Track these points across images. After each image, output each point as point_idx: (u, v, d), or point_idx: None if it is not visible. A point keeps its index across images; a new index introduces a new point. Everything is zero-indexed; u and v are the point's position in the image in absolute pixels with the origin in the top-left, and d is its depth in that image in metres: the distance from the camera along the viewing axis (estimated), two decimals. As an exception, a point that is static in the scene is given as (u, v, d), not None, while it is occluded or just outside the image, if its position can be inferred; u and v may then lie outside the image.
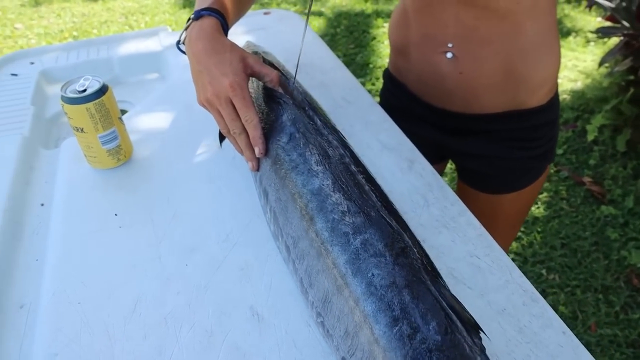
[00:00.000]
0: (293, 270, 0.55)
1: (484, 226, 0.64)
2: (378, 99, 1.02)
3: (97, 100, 0.69)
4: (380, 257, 0.45)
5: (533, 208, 1.94)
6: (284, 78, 0.71)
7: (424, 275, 0.43)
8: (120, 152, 0.75)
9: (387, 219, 0.48)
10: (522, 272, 0.58)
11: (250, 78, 0.68)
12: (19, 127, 0.87)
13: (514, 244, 1.80)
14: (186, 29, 0.68)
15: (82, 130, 0.70)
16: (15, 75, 1.04)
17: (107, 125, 0.71)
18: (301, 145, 0.59)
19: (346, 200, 0.51)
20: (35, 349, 0.54)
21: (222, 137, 0.73)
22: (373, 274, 0.44)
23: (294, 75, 0.71)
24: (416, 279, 0.42)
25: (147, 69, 1.09)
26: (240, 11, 0.77)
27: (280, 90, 0.67)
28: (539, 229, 1.86)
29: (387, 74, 0.98)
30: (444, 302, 0.40)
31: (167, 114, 0.89)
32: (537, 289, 1.72)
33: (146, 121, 0.87)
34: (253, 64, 0.65)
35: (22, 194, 0.75)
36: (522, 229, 1.87)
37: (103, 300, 0.58)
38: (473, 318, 0.42)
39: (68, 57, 1.08)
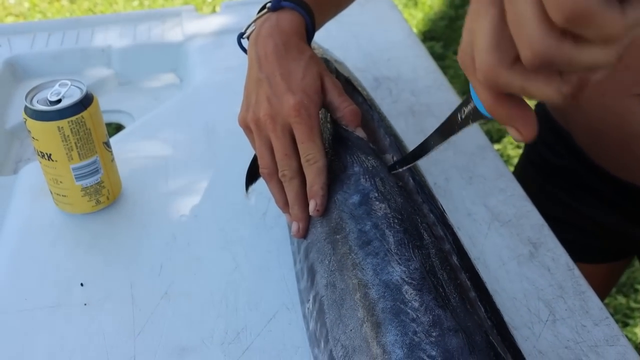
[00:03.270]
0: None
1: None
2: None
3: (74, 117, 0.73)
4: None
5: None
6: (368, 111, 0.74)
7: None
8: (101, 192, 0.79)
9: (501, 351, 0.48)
10: None
11: None
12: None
13: None
14: (256, 20, 0.73)
15: (49, 157, 0.75)
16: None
17: (86, 153, 0.76)
18: (380, 213, 0.61)
19: (439, 308, 0.51)
20: None
21: (250, 179, 0.76)
22: None
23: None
24: None
25: (160, 67, 1.15)
26: (339, 6, 0.81)
27: (355, 131, 0.70)
28: None
29: (541, 113, 0.96)
30: None
31: (179, 138, 0.93)
32: None
33: (147, 146, 0.91)
34: (330, 88, 0.68)
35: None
36: None
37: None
38: None
39: (49, 41, 1.17)
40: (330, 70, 0.81)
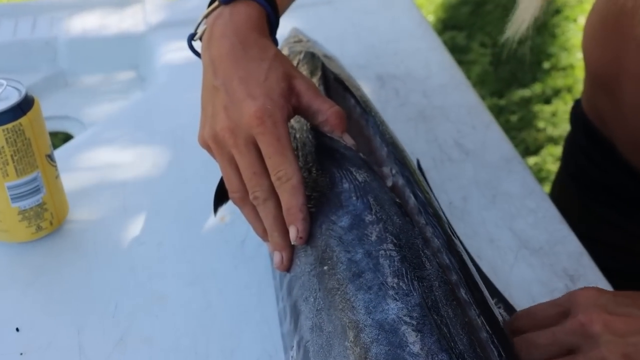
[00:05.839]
0: None
1: None
2: (550, 148, 1.02)
3: (10, 125, 0.72)
4: None
5: None
6: (363, 115, 0.74)
7: None
8: (42, 216, 0.78)
9: None
10: None
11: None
12: None
13: None
14: (207, 16, 0.72)
15: (-21, 173, 0.74)
16: None
17: (24, 169, 0.75)
18: (374, 238, 0.61)
19: (443, 352, 0.51)
20: None
21: (219, 200, 0.76)
22: None
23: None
24: None
25: (117, 63, 1.15)
26: None
27: (342, 139, 0.69)
28: None
29: (578, 116, 0.96)
30: None
31: (140, 149, 0.93)
32: None
33: (100, 160, 0.91)
34: (303, 90, 0.68)
35: None
36: None
37: None
38: None
39: (-16, 32, 1.17)
40: (315, 68, 0.81)
